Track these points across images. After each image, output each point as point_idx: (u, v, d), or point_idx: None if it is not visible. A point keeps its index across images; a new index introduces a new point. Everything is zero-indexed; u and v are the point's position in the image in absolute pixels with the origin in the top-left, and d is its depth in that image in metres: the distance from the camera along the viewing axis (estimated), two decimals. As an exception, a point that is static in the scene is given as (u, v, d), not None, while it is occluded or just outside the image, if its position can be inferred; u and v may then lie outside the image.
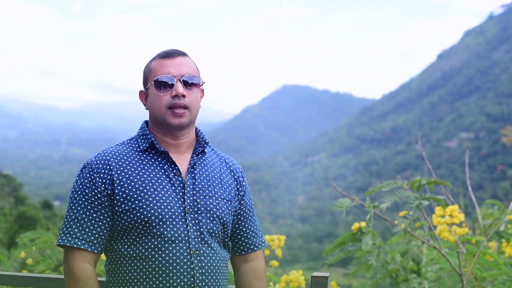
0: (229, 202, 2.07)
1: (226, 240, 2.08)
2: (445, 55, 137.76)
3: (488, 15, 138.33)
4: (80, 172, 2.00)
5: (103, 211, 1.93)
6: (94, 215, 1.93)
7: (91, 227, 1.92)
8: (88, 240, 1.91)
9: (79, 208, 1.94)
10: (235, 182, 2.13)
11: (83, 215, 1.93)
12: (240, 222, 2.15)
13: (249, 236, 2.16)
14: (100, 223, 1.93)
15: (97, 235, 1.93)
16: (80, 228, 1.92)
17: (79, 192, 1.95)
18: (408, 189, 3.20)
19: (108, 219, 1.94)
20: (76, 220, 1.93)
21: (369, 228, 3.20)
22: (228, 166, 2.15)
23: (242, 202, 2.15)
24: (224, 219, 2.03)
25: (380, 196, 3.26)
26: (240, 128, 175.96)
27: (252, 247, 2.16)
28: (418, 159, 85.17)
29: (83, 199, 1.94)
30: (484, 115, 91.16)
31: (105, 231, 1.94)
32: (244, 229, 2.15)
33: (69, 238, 1.91)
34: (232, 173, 2.14)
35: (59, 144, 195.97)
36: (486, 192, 62.40)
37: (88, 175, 1.96)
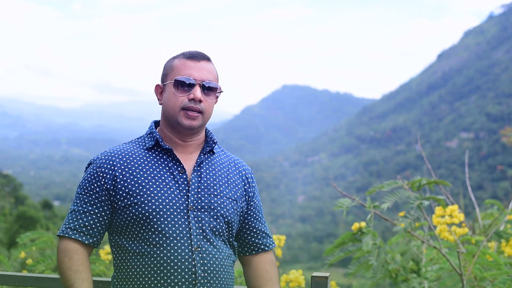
0: (235, 202, 2.07)
1: (231, 239, 2.08)
2: (445, 55, 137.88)
3: (488, 15, 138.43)
4: (86, 168, 2.06)
5: (98, 204, 1.97)
6: (90, 208, 1.97)
7: (84, 219, 1.96)
8: (79, 230, 1.96)
9: (78, 201, 1.99)
10: (243, 183, 2.14)
11: (79, 207, 1.98)
12: (250, 223, 2.16)
13: (259, 237, 2.17)
14: (94, 216, 1.96)
15: (89, 227, 1.96)
16: (75, 219, 1.97)
17: (81, 187, 2.01)
18: (408, 189, 3.20)
19: (103, 213, 1.97)
20: (73, 212, 1.99)
21: (369, 228, 3.20)
22: (236, 167, 2.16)
23: (251, 203, 2.16)
24: (229, 218, 2.03)
25: (380, 196, 3.26)
26: (240, 128, 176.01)
27: (263, 246, 2.17)
28: (418, 159, 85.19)
29: (82, 193, 1.99)
30: (484, 115, 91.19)
31: (98, 224, 1.97)
32: (255, 230, 2.16)
33: (63, 229, 1.98)
34: (240, 174, 2.15)
35: (59, 144, 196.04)
36: (486, 192, 62.45)
37: (91, 170, 2.01)
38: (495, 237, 3.65)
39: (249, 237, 2.16)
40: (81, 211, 1.97)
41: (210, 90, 2.03)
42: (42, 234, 3.94)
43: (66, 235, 1.95)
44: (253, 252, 2.16)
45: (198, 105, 2.00)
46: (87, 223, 1.96)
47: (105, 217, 1.98)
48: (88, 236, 1.96)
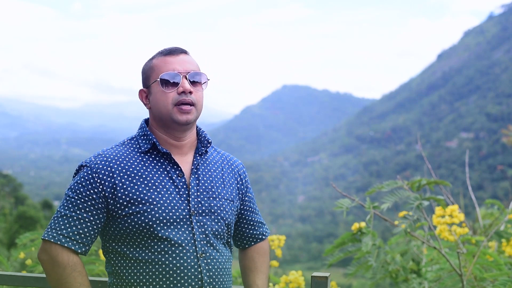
0: (232, 202, 2.07)
1: (229, 240, 2.09)
2: (445, 55, 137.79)
3: (488, 15, 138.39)
4: (78, 171, 1.98)
5: (94, 212, 1.90)
6: (85, 215, 1.89)
7: (79, 226, 1.89)
8: (73, 238, 1.88)
9: (70, 205, 1.90)
10: (236, 181, 2.13)
11: (73, 213, 1.89)
12: (247, 217, 2.18)
13: (256, 227, 2.20)
14: (89, 224, 1.90)
15: (83, 235, 1.89)
16: (68, 225, 1.89)
17: (74, 190, 1.92)
18: (408, 189, 3.20)
19: (98, 221, 1.91)
20: (64, 217, 1.90)
21: (369, 228, 3.20)
22: (229, 165, 2.14)
23: (245, 198, 2.17)
24: (229, 220, 2.03)
25: (380, 196, 3.25)
26: (240, 128, 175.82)
27: (261, 236, 2.21)
28: (418, 159, 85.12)
29: (76, 197, 1.91)
30: (484, 115, 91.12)
31: (92, 232, 1.91)
32: (251, 222, 2.19)
33: (54, 234, 1.88)
34: (233, 172, 2.14)
35: (59, 144, 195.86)
36: (486, 192, 62.39)
37: (86, 174, 1.93)
38: (496, 237, 3.65)
39: (247, 230, 2.18)
40: (75, 217, 1.89)
41: (196, 80, 1.99)
42: (41, 235, 3.93)
43: (58, 242, 1.87)
44: (252, 243, 2.20)
45: (190, 97, 1.96)
46: (81, 231, 1.89)
47: (99, 225, 1.92)
48: (82, 245, 1.90)
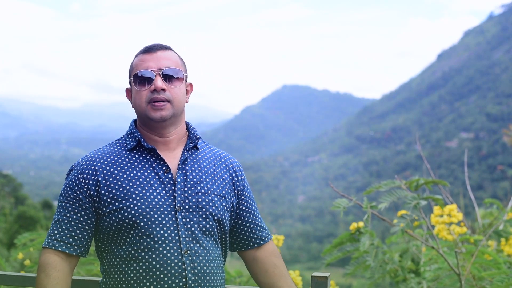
0: (223, 198, 2.02)
1: (223, 236, 2.04)
2: (445, 55, 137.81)
3: (488, 15, 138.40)
4: (67, 175, 2.00)
5: (83, 212, 1.91)
6: (74, 217, 1.91)
7: (70, 229, 1.91)
8: (66, 241, 1.90)
9: (61, 210, 1.94)
10: (230, 177, 2.08)
11: (64, 217, 1.92)
12: (243, 217, 2.11)
13: (254, 231, 2.12)
14: (80, 225, 1.91)
15: (75, 237, 1.91)
16: (60, 229, 1.92)
17: (64, 195, 1.95)
18: (406, 189, 3.20)
19: (89, 221, 1.92)
20: (57, 222, 1.93)
21: (367, 228, 3.21)
22: (223, 161, 2.11)
23: (242, 196, 2.11)
24: (219, 215, 1.98)
25: (379, 196, 3.26)
26: (240, 128, 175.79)
27: (258, 240, 2.12)
28: (418, 159, 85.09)
29: (65, 201, 1.93)
30: (484, 115, 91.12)
31: (84, 232, 1.92)
32: (249, 224, 2.11)
33: (49, 240, 1.91)
34: (227, 168, 2.09)
35: (59, 144, 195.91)
36: (486, 192, 62.37)
37: (72, 176, 1.96)
38: (495, 236, 3.65)
39: (243, 232, 2.11)
40: (66, 221, 1.91)
41: (173, 77, 1.97)
42: (40, 235, 3.93)
43: (53, 247, 1.89)
44: (249, 247, 2.12)
45: (163, 94, 1.94)
46: (73, 233, 1.90)
47: (91, 225, 1.93)
48: (76, 247, 1.91)
